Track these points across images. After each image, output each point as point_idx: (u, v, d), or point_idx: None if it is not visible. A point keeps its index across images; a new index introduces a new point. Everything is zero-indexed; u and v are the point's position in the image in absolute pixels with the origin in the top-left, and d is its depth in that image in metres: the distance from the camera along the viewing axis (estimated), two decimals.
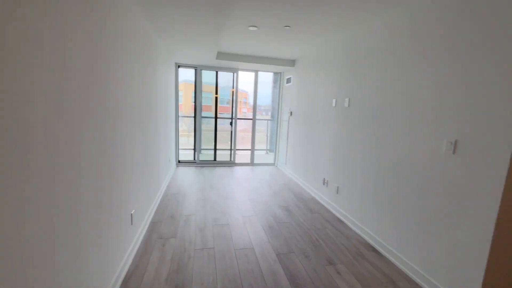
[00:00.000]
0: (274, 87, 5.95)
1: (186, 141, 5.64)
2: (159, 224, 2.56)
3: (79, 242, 1.17)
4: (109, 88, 1.51)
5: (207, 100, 5.34)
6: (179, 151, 5.16)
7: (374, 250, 2.28)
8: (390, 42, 2.22)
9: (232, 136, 5.35)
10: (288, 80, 4.89)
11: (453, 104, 1.63)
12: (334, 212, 3.06)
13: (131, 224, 2.00)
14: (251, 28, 2.88)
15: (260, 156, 6.42)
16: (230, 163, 5.40)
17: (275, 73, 5.47)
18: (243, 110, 7.28)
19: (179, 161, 5.16)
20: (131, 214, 2.00)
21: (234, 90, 5.15)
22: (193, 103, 5.15)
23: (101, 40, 1.38)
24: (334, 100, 3.13)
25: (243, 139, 6.36)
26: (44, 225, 0.91)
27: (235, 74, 5.08)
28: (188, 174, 4.48)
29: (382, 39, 2.32)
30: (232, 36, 3.22)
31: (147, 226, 2.48)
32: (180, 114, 5.18)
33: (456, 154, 1.61)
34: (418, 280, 1.86)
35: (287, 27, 2.79)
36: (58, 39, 0.98)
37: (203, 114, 5.24)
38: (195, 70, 4.97)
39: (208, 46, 3.38)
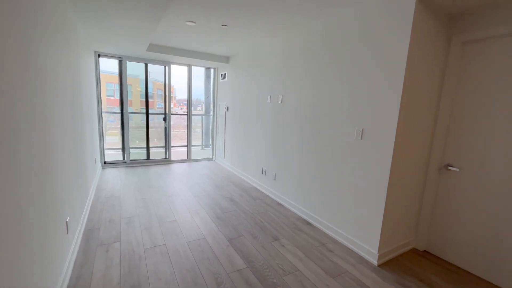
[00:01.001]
0: (207, 82, 5.95)
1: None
2: (97, 231, 2.33)
3: (20, 260, 1.05)
4: (37, 83, 1.33)
5: (128, 94, 4.94)
6: (105, 151, 4.60)
7: (308, 223, 2.73)
8: (315, 49, 2.65)
9: (167, 132, 5.13)
10: (223, 76, 5.01)
11: (359, 103, 2.14)
12: (273, 197, 3.43)
13: (67, 233, 1.79)
14: (188, 23, 2.87)
15: (196, 151, 6.35)
16: (166, 161, 5.17)
17: (207, 68, 5.50)
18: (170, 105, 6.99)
19: (105, 162, 4.61)
20: (66, 221, 1.79)
21: (167, 84, 4.93)
22: (111, 97, 4.69)
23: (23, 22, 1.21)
24: (268, 97, 3.46)
25: (174, 136, 6.12)
26: None
27: (167, 67, 4.86)
28: (119, 176, 4.09)
29: (309, 46, 2.74)
30: (168, 29, 3.12)
31: (81, 234, 2.23)
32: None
33: (363, 139, 2.13)
34: (340, 239, 2.37)
35: (225, 26, 2.92)
36: None
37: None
38: (120, 61, 4.50)
39: (139, 36, 3.15)
